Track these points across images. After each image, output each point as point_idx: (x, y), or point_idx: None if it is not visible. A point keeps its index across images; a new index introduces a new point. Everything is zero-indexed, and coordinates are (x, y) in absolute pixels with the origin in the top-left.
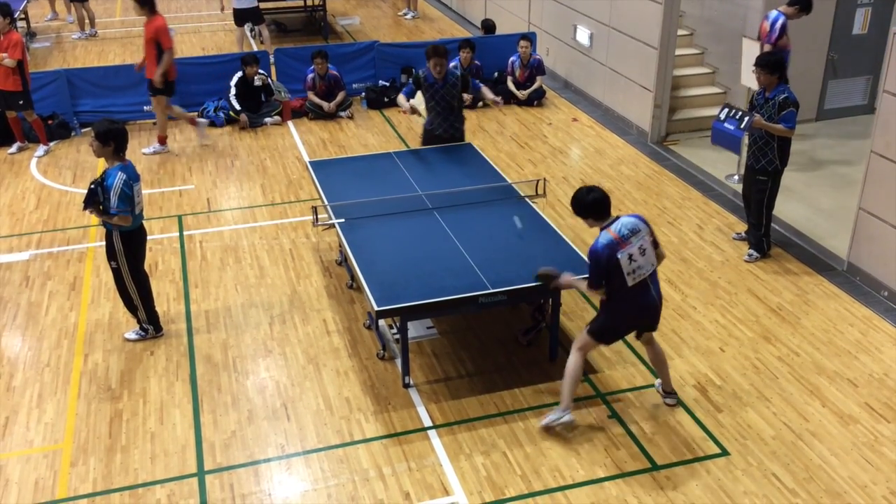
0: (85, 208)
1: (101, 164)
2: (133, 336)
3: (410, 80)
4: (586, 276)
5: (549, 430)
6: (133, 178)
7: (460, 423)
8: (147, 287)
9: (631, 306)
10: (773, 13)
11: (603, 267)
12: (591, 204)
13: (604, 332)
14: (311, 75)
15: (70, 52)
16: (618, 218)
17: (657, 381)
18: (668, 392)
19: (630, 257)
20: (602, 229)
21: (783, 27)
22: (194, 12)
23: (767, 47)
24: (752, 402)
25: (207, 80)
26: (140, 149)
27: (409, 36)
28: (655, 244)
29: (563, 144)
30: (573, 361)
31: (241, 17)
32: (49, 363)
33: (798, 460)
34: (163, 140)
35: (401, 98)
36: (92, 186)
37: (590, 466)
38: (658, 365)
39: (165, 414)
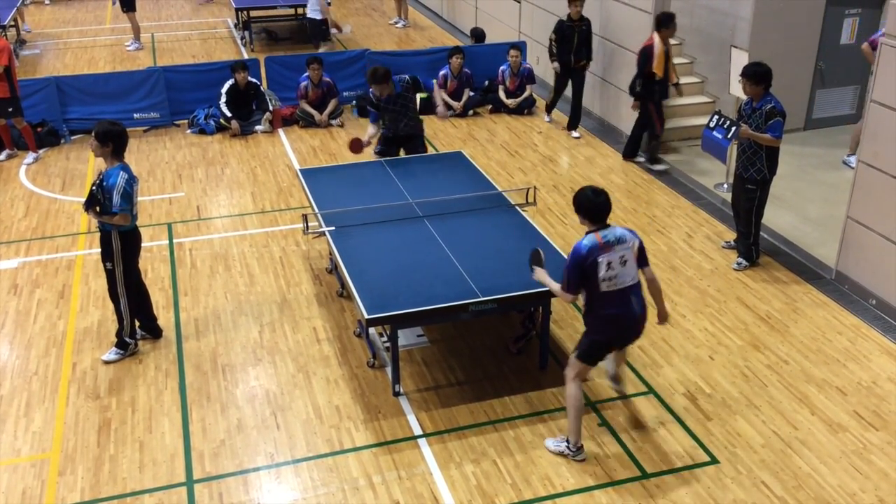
0: (86, 210)
1: (90, 172)
2: (113, 356)
3: (369, 108)
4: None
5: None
6: (133, 178)
7: (450, 431)
8: (139, 298)
9: (609, 316)
10: None
11: (579, 267)
12: (593, 206)
13: (590, 350)
14: (304, 83)
15: (60, 59)
16: (609, 226)
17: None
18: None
19: (609, 264)
20: (588, 232)
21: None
22: (185, 20)
23: None
24: (741, 410)
25: (197, 88)
26: (133, 154)
27: (399, 44)
28: (644, 262)
29: (553, 153)
30: (571, 391)
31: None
32: (37, 372)
33: (787, 468)
34: None
35: (372, 130)
36: (93, 188)
37: (580, 475)
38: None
39: (154, 422)
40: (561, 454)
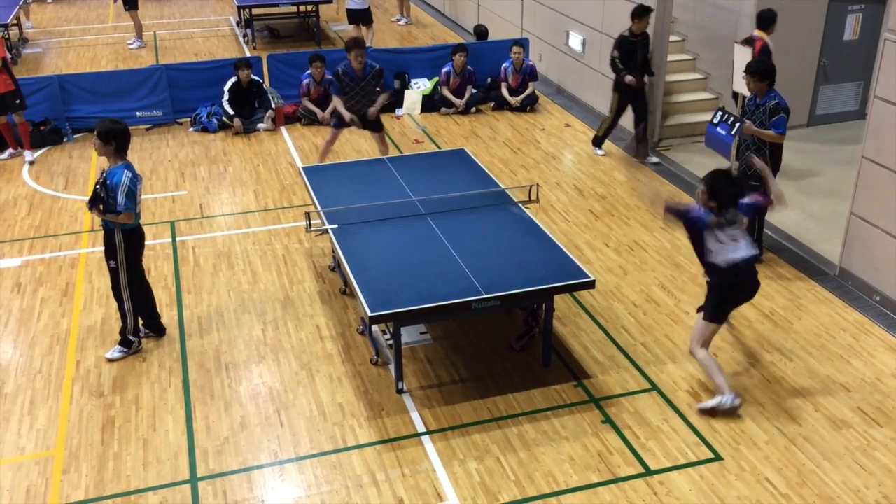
0: (90, 208)
1: (93, 171)
2: (117, 354)
3: (334, 80)
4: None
5: (707, 413)
6: (136, 176)
7: (454, 428)
8: (143, 296)
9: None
10: None
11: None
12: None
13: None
14: (306, 81)
15: (62, 57)
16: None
17: None
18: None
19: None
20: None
21: None
22: (187, 18)
23: None
24: (744, 406)
25: (200, 86)
26: (136, 152)
27: (401, 42)
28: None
29: (556, 150)
30: (703, 356)
31: (353, 16)
32: (41, 370)
33: (791, 465)
34: None
35: (337, 102)
36: (97, 187)
37: (583, 472)
38: None
39: (158, 420)
40: (719, 407)
